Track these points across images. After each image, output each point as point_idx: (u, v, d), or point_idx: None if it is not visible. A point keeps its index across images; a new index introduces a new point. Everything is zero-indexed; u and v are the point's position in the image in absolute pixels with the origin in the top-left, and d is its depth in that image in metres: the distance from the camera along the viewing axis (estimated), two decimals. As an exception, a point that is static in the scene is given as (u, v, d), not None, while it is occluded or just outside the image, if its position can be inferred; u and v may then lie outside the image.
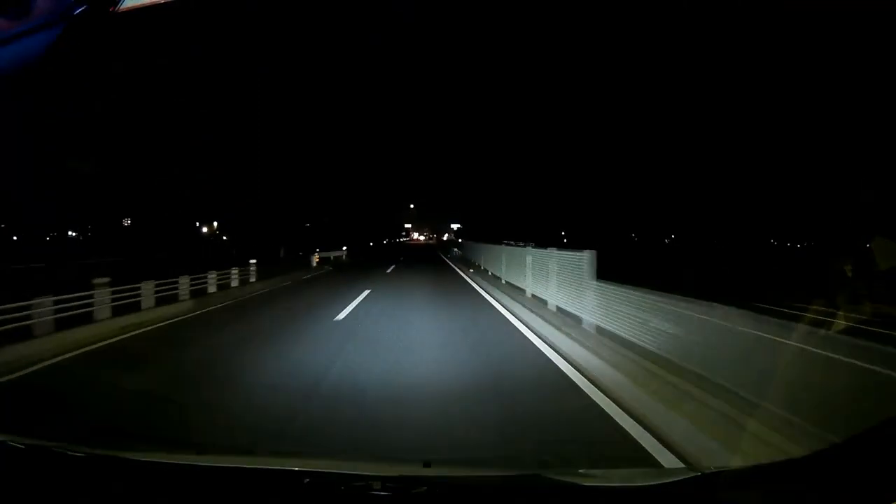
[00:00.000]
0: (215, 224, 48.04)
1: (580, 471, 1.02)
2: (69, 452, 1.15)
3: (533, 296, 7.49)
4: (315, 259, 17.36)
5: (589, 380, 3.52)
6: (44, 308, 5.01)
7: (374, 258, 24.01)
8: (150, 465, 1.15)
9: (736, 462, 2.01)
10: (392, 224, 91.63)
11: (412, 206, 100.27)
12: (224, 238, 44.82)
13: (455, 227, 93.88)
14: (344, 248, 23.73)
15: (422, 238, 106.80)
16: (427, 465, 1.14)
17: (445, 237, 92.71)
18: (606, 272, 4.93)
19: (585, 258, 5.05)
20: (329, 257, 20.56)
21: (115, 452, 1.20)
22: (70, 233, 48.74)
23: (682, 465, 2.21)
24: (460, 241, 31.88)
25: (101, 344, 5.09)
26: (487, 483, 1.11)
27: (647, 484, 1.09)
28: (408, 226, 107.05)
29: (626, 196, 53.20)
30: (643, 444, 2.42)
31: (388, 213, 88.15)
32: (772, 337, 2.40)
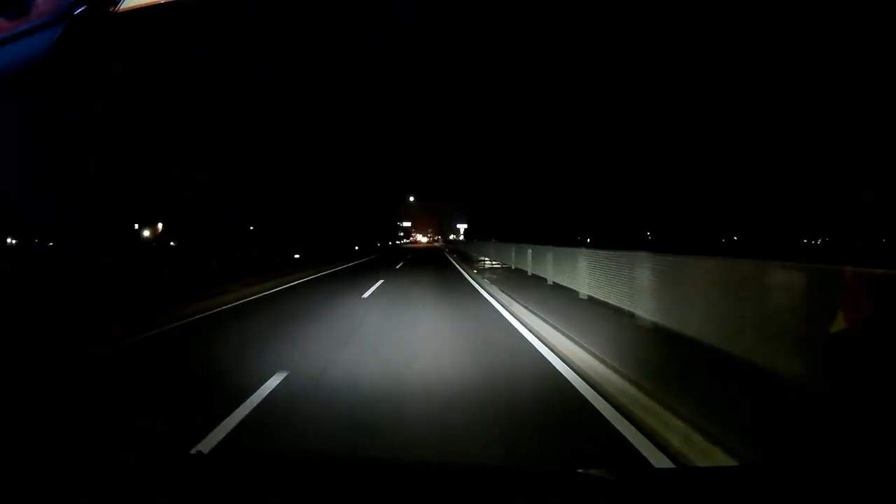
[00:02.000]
0: (160, 226, 34.57)
1: (578, 470, 1.02)
2: (68, 452, 1.16)
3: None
4: None
5: None
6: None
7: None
8: (149, 464, 1.15)
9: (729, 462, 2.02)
10: (392, 224, 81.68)
11: (411, 198, 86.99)
12: (171, 244, 32.58)
13: (462, 227, 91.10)
14: None
15: (424, 239, 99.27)
16: (427, 464, 1.15)
17: (451, 238, 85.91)
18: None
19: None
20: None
21: (114, 452, 1.20)
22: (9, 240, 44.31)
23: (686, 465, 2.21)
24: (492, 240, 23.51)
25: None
26: (488, 483, 1.11)
27: (639, 482, 1.10)
28: (406, 224, 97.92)
29: (641, 194, 52.37)
30: None
31: (389, 212, 79.17)
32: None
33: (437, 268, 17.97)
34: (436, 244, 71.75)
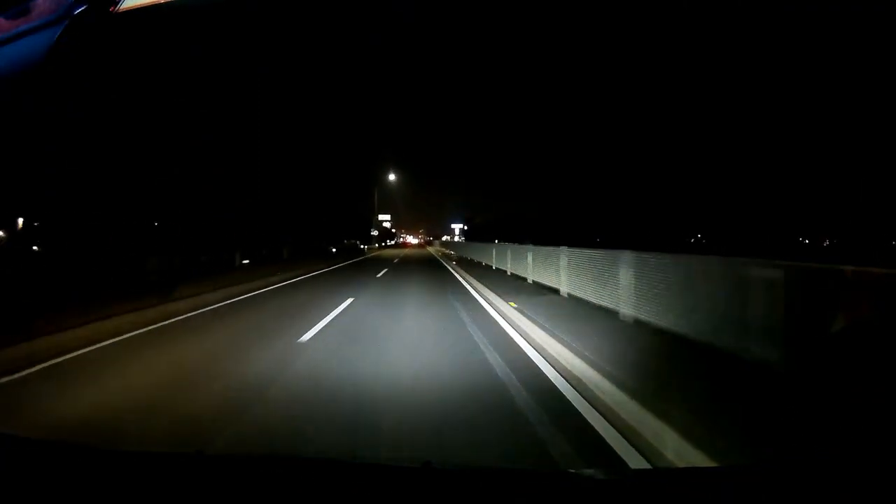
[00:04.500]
0: (20, 222, 23.06)
1: (570, 470, 1.03)
2: (67, 448, 1.15)
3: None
4: None
5: None
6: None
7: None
8: (150, 464, 1.15)
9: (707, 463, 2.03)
10: (363, 218, 53.04)
11: (392, 176, 54.07)
12: (35, 248, 22.45)
13: (457, 227, 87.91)
14: None
15: (415, 241, 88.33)
16: (426, 464, 1.15)
17: (445, 239, 77.38)
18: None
19: None
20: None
21: (113, 448, 1.20)
22: None
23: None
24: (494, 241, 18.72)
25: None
26: (484, 483, 1.11)
27: (635, 482, 1.10)
28: (385, 217, 76.63)
29: (642, 194, 51.31)
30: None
31: (356, 200, 54.37)
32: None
33: None
34: (428, 248, 51.77)
